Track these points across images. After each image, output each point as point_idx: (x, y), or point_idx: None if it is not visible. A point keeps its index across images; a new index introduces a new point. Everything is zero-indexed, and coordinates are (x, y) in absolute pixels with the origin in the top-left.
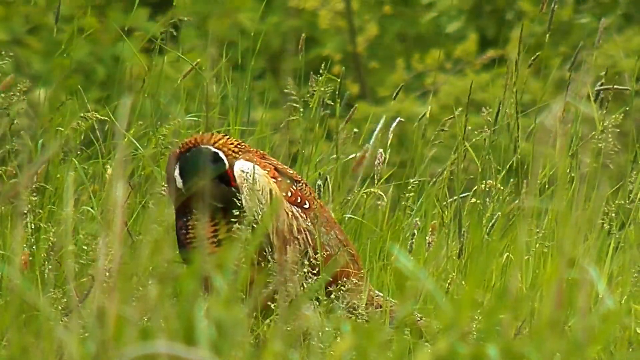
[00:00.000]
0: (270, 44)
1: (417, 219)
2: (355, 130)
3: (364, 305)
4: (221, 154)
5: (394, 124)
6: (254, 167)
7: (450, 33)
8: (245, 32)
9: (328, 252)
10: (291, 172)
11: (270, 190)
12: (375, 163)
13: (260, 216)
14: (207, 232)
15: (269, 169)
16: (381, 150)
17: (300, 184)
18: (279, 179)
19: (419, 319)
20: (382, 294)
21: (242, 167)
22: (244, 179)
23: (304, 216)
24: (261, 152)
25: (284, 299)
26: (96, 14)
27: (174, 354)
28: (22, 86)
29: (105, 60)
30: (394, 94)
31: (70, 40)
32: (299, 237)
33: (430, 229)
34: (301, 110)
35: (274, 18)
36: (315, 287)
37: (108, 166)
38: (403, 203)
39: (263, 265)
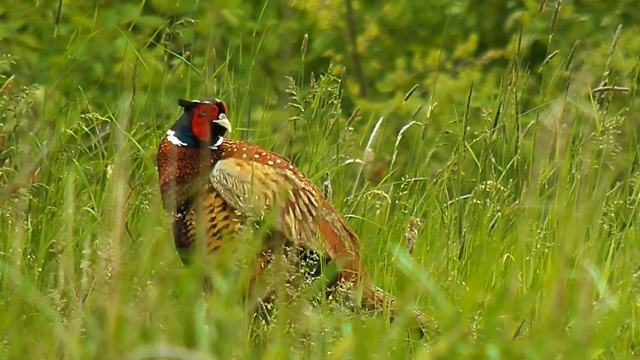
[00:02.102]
0: (265, 46)
1: (418, 219)
2: (351, 128)
3: (360, 296)
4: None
5: (405, 127)
6: (221, 171)
7: (450, 29)
8: (232, 30)
9: (334, 233)
10: (281, 156)
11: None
12: (364, 163)
13: (241, 205)
14: (205, 224)
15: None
16: (370, 149)
17: (293, 167)
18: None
19: (418, 314)
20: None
21: (212, 173)
22: (217, 182)
23: (311, 191)
24: (246, 144)
25: (284, 300)
26: (93, 12)
27: (174, 357)
28: (26, 88)
29: (103, 57)
30: (406, 95)
31: (74, 41)
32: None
33: (409, 225)
34: (302, 109)
35: (272, 21)
36: (315, 288)
37: (109, 167)
38: (402, 203)
39: (263, 265)
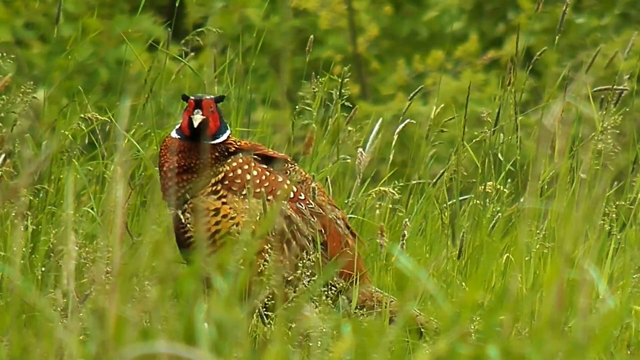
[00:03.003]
0: (273, 43)
1: (407, 219)
2: (350, 128)
3: (361, 299)
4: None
5: (401, 126)
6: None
7: (451, 32)
8: (251, 28)
9: (338, 232)
10: (283, 155)
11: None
12: (357, 163)
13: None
14: (204, 227)
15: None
16: (361, 149)
17: (292, 166)
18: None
19: (417, 314)
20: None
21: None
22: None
23: (302, 205)
24: (250, 143)
25: (283, 300)
26: (102, 15)
27: (174, 354)
28: (25, 88)
29: (109, 62)
30: (410, 97)
31: (75, 42)
32: (296, 235)
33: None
34: (314, 113)
35: (276, 18)
36: (315, 287)
37: (113, 167)
38: (402, 203)
39: (263, 266)
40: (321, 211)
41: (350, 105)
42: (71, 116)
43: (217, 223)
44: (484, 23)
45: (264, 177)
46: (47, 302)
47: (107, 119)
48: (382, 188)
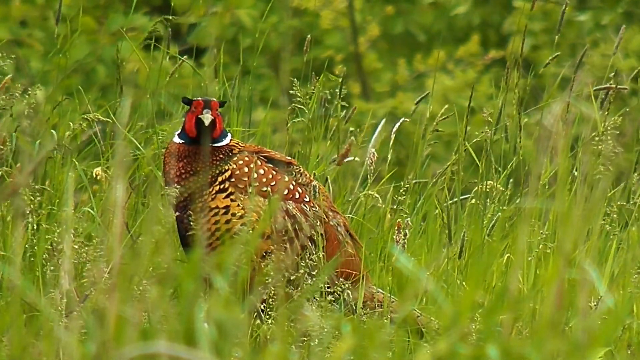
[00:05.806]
0: (270, 44)
1: (408, 219)
2: (352, 129)
3: (362, 300)
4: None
5: (397, 125)
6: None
7: (452, 30)
8: (245, 29)
9: (337, 239)
10: (289, 158)
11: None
12: (368, 163)
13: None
14: (210, 225)
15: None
16: (373, 150)
17: (297, 168)
18: (276, 175)
19: (418, 315)
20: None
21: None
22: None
23: (306, 207)
24: (255, 147)
25: (284, 299)
26: (96, 14)
27: (174, 355)
28: (25, 87)
29: (106, 60)
30: (417, 100)
31: (66, 40)
32: (299, 234)
33: (396, 227)
34: (306, 110)
35: (273, 18)
36: (315, 287)
37: (98, 168)
38: (398, 202)
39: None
40: (324, 216)
41: (348, 105)
42: (71, 115)
43: (227, 222)
44: (489, 9)
45: (270, 176)
46: (47, 302)
47: (108, 119)
48: (369, 192)
